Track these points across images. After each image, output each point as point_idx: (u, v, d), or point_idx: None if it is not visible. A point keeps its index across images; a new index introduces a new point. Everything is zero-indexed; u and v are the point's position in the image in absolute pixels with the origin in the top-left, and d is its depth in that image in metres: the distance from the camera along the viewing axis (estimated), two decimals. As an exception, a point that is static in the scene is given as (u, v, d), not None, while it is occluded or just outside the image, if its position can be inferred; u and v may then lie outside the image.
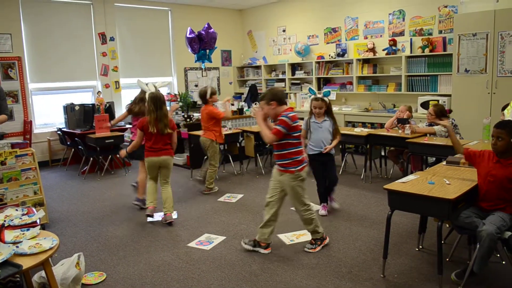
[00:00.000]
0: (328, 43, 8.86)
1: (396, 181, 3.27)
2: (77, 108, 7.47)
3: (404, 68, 7.35)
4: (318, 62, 8.87)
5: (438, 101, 6.57)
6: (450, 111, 6.38)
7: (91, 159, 7.00)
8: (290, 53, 9.65)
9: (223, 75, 10.62)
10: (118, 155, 5.44)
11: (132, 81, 9.04)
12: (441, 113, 5.35)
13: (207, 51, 7.59)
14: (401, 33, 7.59)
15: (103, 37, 8.52)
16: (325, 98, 4.62)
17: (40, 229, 2.77)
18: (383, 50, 7.74)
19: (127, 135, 7.82)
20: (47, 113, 8.12)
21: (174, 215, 4.86)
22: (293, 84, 9.51)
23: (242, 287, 3.19)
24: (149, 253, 3.85)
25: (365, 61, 8.07)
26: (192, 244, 4.03)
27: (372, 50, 7.89)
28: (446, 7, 6.93)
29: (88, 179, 6.77)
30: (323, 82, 8.93)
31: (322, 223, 4.37)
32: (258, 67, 10.32)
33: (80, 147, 6.97)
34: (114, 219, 4.83)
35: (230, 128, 6.60)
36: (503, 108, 4.03)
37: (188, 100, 8.26)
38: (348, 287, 3.13)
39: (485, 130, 4.75)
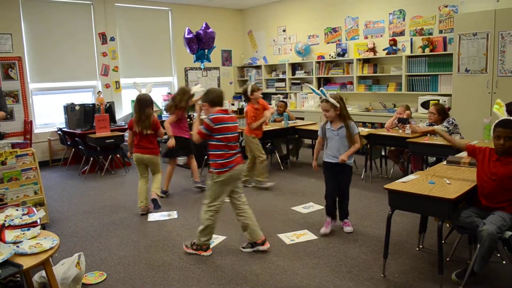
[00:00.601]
0: (328, 43, 8.86)
1: (397, 181, 3.27)
2: (77, 108, 7.48)
3: (404, 68, 7.34)
4: (318, 62, 8.87)
5: (438, 100, 6.57)
6: (449, 108, 6.38)
7: (92, 159, 7.00)
8: (291, 53, 9.65)
9: (223, 75, 10.62)
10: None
11: (133, 81, 9.04)
12: (443, 111, 5.35)
13: (206, 50, 7.59)
14: (402, 33, 7.59)
15: (103, 37, 8.52)
16: (332, 100, 3.98)
17: (40, 229, 2.77)
18: (384, 50, 7.73)
19: (127, 135, 7.81)
20: (48, 113, 8.12)
21: (174, 215, 4.87)
22: (293, 84, 9.51)
23: (243, 287, 3.19)
24: (150, 253, 3.85)
25: (366, 61, 8.06)
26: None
27: (373, 50, 7.89)
28: (446, 6, 6.93)
29: (88, 179, 6.77)
30: (324, 82, 8.93)
31: (321, 223, 4.38)
32: (259, 67, 10.32)
33: (80, 147, 6.98)
34: (115, 218, 4.83)
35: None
36: (508, 106, 4.00)
37: (189, 100, 8.25)
38: (349, 286, 3.13)
39: (485, 130, 4.75)
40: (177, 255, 3.78)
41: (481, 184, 3.08)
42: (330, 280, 3.24)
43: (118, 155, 7.35)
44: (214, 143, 3.66)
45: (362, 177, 6.15)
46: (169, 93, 9.01)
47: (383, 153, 6.48)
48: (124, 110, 8.91)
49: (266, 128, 6.70)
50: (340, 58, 8.51)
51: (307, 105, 9.02)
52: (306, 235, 4.12)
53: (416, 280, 3.18)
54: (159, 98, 8.92)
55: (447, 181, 3.17)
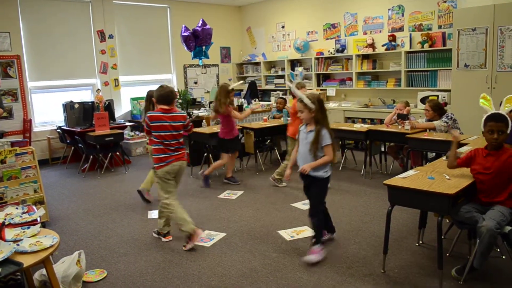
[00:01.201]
0: (327, 39, 8.84)
1: (396, 177, 3.27)
2: (76, 106, 7.47)
3: (403, 64, 7.34)
4: (317, 58, 8.86)
5: (437, 96, 6.57)
6: (446, 104, 6.38)
7: (91, 157, 6.99)
8: (290, 49, 9.64)
9: (222, 72, 10.61)
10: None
11: (132, 78, 9.06)
12: (438, 107, 5.36)
13: (203, 47, 7.57)
14: (401, 29, 7.58)
15: (102, 35, 8.50)
16: (307, 100, 3.49)
17: (40, 227, 2.77)
18: (383, 45, 7.72)
19: (126, 133, 7.84)
20: (47, 111, 8.11)
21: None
22: (291, 81, 9.48)
23: (243, 283, 3.19)
24: (150, 250, 3.85)
25: (365, 56, 8.06)
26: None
27: (372, 45, 7.87)
28: (445, 2, 6.92)
29: (88, 177, 6.77)
30: (323, 78, 8.93)
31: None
32: (258, 64, 10.30)
33: (80, 145, 6.97)
34: (115, 216, 4.84)
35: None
36: None
37: (188, 97, 8.26)
38: (349, 282, 3.14)
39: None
40: (177, 252, 3.79)
41: (478, 181, 3.08)
42: (330, 276, 3.25)
43: (117, 153, 7.35)
44: (153, 139, 3.95)
45: (362, 173, 6.15)
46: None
47: (382, 149, 6.49)
48: (123, 107, 8.90)
49: (265, 125, 6.71)
50: (339, 54, 8.50)
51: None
52: (306, 232, 4.13)
53: (416, 276, 3.19)
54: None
55: (447, 177, 3.17)
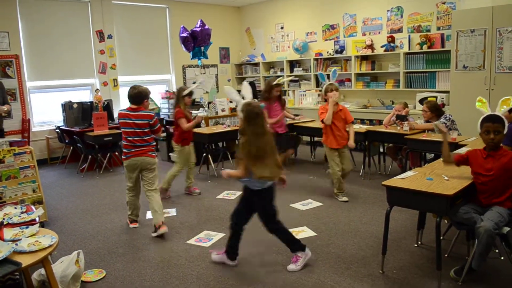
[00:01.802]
0: (326, 40, 8.85)
1: (395, 177, 3.28)
2: (75, 106, 7.46)
3: (402, 65, 7.35)
4: (316, 59, 8.87)
5: (436, 97, 6.58)
6: (444, 105, 6.39)
7: (90, 157, 6.99)
8: (289, 50, 9.64)
9: (221, 72, 10.61)
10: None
11: (131, 78, 9.05)
12: (435, 108, 5.37)
13: (202, 48, 7.57)
14: (399, 30, 7.59)
15: (100, 35, 8.50)
16: (239, 107, 3.37)
17: (39, 227, 2.77)
18: (381, 46, 7.74)
19: None
20: (45, 111, 8.10)
21: (173, 212, 4.88)
22: (291, 81, 9.50)
23: (241, 283, 3.19)
24: (148, 250, 3.85)
25: (364, 58, 8.07)
26: (191, 241, 4.03)
27: (370, 47, 7.88)
28: (444, 3, 6.93)
29: (86, 177, 6.76)
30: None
31: (319, 219, 4.40)
32: (257, 64, 10.31)
33: (78, 145, 6.97)
34: (113, 216, 4.83)
35: (228, 126, 6.59)
36: None
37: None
38: (347, 283, 3.14)
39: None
40: (175, 252, 3.79)
41: (479, 182, 3.08)
42: (329, 276, 3.25)
43: (116, 153, 7.34)
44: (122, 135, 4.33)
45: (360, 173, 6.15)
46: (167, 91, 8.99)
47: (381, 150, 6.49)
48: (122, 108, 8.87)
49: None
50: (338, 55, 8.51)
51: (305, 102, 9.02)
52: (305, 232, 4.13)
53: (415, 276, 3.19)
54: (157, 96, 8.90)
55: (445, 178, 3.18)
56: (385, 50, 7.66)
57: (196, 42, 7.41)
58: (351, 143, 5.01)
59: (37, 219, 2.99)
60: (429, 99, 6.40)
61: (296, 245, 3.42)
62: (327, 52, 8.68)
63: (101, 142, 6.78)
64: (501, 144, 3.08)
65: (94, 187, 6.18)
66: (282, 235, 3.43)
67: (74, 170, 7.20)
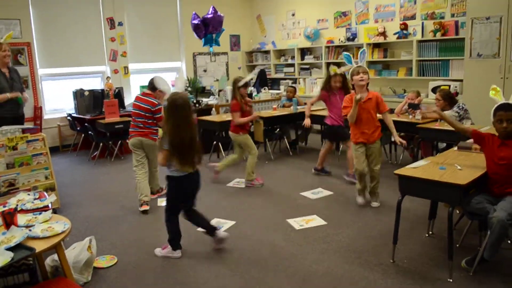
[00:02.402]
0: (338, 27, 8.75)
1: (407, 166, 3.25)
2: (86, 93, 7.49)
3: (415, 53, 7.25)
4: (327, 47, 8.78)
5: (449, 86, 6.49)
6: (457, 93, 6.30)
7: (101, 144, 7.03)
8: (300, 38, 9.55)
9: (231, 60, 10.55)
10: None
11: (141, 66, 9.05)
12: (448, 96, 5.31)
13: (214, 35, 7.52)
14: (413, 17, 7.47)
15: (111, 22, 8.49)
16: (165, 98, 3.53)
17: (52, 213, 2.80)
18: (394, 34, 7.63)
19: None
20: (57, 98, 8.15)
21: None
22: (302, 69, 9.44)
23: (252, 271, 3.21)
24: (160, 237, 3.87)
25: (376, 45, 7.97)
26: (202, 228, 4.05)
27: (383, 34, 7.78)
28: (459, -11, 6.80)
29: (98, 164, 6.82)
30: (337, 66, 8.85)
31: (330, 208, 4.39)
32: (267, 52, 10.24)
33: (90, 132, 7.01)
34: (125, 203, 4.87)
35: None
36: None
37: (197, 86, 8.24)
38: (358, 272, 3.14)
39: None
40: (187, 240, 3.80)
41: (491, 171, 3.05)
42: (339, 265, 3.25)
43: (127, 140, 7.37)
44: None
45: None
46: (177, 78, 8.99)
47: (392, 139, 6.42)
48: (133, 95, 8.90)
49: (274, 113, 6.69)
50: (350, 43, 8.41)
51: (316, 90, 8.95)
52: (315, 221, 4.13)
53: (425, 266, 3.18)
54: (168, 83, 8.89)
55: (458, 167, 3.15)
56: (397, 38, 7.55)
57: (207, 29, 7.36)
58: (398, 138, 4.33)
59: (50, 205, 3.03)
60: (442, 87, 6.32)
61: (172, 242, 3.51)
62: (339, 40, 8.58)
63: (112, 129, 6.81)
64: None
65: (106, 174, 6.23)
66: (171, 227, 3.51)
67: (85, 157, 7.26)
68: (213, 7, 7.43)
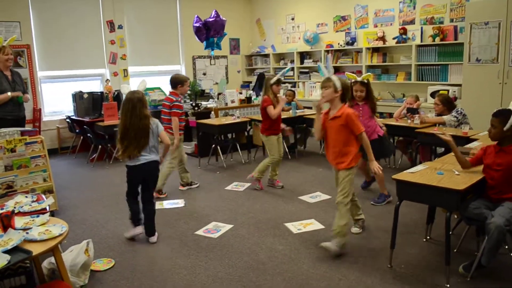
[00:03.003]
0: (337, 31, 8.77)
1: (405, 171, 3.25)
2: (85, 96, 7.50)
3: (414, 57, 7.27)
4: (327, 51, 8.80)
5: (448, 91, 6.50)
6: (456, 98, 6.31)
7: (100, 147, 7.03)
8: (299, 42, 9.58)
9: (231, 63, 10.58)
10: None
11: (141, 69, 9.06)
12: (447, 101, 5.32)
13: (215, 38, 7.53)
14: (412, 22, 7.50)
15: (111, 25, 8.50)
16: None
17: (49, 216, 2.80)
18: (393, 38, 7.65)
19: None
20: (56, 101, 8.15)
21: (181, 203, 4.90)
22: (301, 73, 9.46)
23: (249, 275, 3.21)
24: (157, 241, 3.87)
25: (375, 49, 7.99)
26: (200, 232, 4.05)
27: (382, 38, 7.80)
28: (458, -5, 6.83)
29: (96, 167, 6.81)
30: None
31: (328, 212, 4.39)
32: (267, 56, 10.26)
33: (88, 135, 7.01)
34: (123, 206, 4.84)
35: (238, 117, 6.58)
36: None
37: (196, 89, 8.25)
38: (355, 276, 3.14)
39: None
40: (184, 243, 3.81)
41: (489, 177, 3.06)
42: (337, 269, 3.25)
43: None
44: None
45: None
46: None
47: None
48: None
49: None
50: (349, 47, 8.43)
51: (315, 94, 8.97)
52: (313, 225, 4.13)
53: (423, 271, 3.18)
54: (167, 86, 8.90)
55: (456, 172, 3.15)
56: (397, 42, 7.57)
57: (209, 32, 7.37)
58: (374, 166, 3.51)
59: (47, 208, 3.02)
60: (440, 92, 6.33)
61: (132, 220, 3.94)
62: (338, 44, 8.60)
63: (111, 132, 6.78)
64: None
65: (104, 177, 6.22)
66: (130, 209, 3.95)
67: (84, 159, 7.26)
68: (216, 11, 7.45)
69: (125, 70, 8.78)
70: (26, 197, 3.24)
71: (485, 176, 3.08)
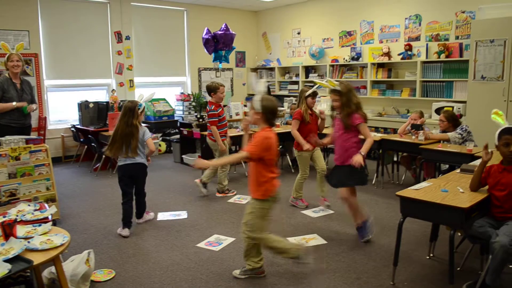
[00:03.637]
0: (343, 46, 8.82)
1: (409, 188, 3.23)
2: (91, 105, 7.54)
3: (419, 73, 7.28)
4: (332, 65, 8.83)
5: (452, 107, 6.50)
6: (461, 115, 6.31)
7: (104, 156, 7.04)
8: (305, 56, 9.62)
9: (236, 76, 10.63)
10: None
11: (146, 80, 9.12)
12: (452, 118, 5.31)
13: (223, 51, 7.58)
14: (417, 38, 7.53)
15: (119, 36, 8.58)
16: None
17: (51, 225, 2.79)
18: (399, 54, 7.67)
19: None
20: (62, 110, 8.20)
21: (184, 215, 4.88)
22: (306, 86, 9.46)
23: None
24: (159, 252, 3.86)
25: (380, 65, 8.01)
26: (201, 244, 4.03)
27: (387, 54, 7.83)
28: (463, 12, 6.85)
29: (100, 176, 6.82)
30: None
31: (331, 227, 4.36)
32: (272, 69, 10.31)
33: (93, 144, 7.03)
34: (125, 217, 4.85)
35: (241, 129, 6.58)
36: None
37: (201, 101, 8.29)
38: (357, 293, 3.10)
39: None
40: (185, 255, 3.79)
41: (493, 197, 3.03)
42: (339, 285, 3.21)
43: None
44: None
45: (373, 182, 6.10)
46: (182, 93, 9.04)
47: (395, 159, 6.43)
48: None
49: (277, 130, 6.69)
50: (354, 62, 8.46)
51: (319, 108, 8.96)
52: (315, 240, 4.10)
53: (426, 289, 3.14)
54: (172, 97, 8.96)
55: (461, 190, 3.13)
56: (402, 58, 7.59)
57: (217, 45, 7.41)
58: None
59: (50, 217, 3.02)
60: (445, 109, 6.32)
61: (123, 222, 4.32)
62: (344, 59, 8.63)
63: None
64: None
65: (107, 186, 6.23)
66: (123, 211, 4.34)
67: (87, 169, 7.27)
68: (226, 24, 7.51)
69: (131, 81, 8.84)
70: (29, 205, 3.24)
71: (489, 194, 3.05)
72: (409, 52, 7.49)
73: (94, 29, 8.34)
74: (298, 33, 9.79)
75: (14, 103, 4.96)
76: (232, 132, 6.48)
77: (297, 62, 9.70)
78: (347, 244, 3.99)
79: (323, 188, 5.04)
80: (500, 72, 5.89)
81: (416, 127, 5.60)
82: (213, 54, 7.62)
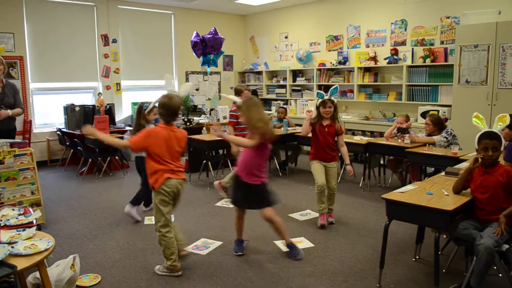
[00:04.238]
0: (330, 50, 8.88)
1: (395, 191, 3.26)
2: (77, 109, 7.47)
3: (405, 78, 7.36)
4: (319, 69, 8.89)
5: (438, 111, 6.58)
6: (446, 119, 6.39)
7: (90, 160, 6.98)
8: (292, 60, 9.67)
9: (224, 80, 10.63)
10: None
11: (133, 83, 9.07)
12: (438, 121, 5.38)
13: (212, 55, 7.57)
14: (403, 43, 7.61)
15: (105, 39, 8.53)
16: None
17: (36, 229, 2.76)
18: (385, 59, 7.76)
19: (126, 137, 7.80)
20: (47, 113, 8.12)
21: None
22: (294, 90, 9.52)
23: (237, 293, 3.17)
24: (145, 256, 3.83)
25: (366, 69, 8.08)
26: (188, 248, 4.00)
27: (374, 58, 7.91)
28: (448, 18, 6.96)
29: (86, 180, 6.75)
30: (324, 89, 8.92)
31: (318, 230, 4.38)
32: (260, 73, 10.33)
33: (79, 148, 6.96)
34: (111, 221, 4.81)
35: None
36: None
37: (189, 104, 8.27)
38: (344, 296, 3.11)
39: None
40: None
41: (476, 199, 3.07)
42: (326, 288, 3.23)
43: (116, 157, 7.34)
44: None
45: (360, 185, 6.14)
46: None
47: (381, 162, 6.48)
48: (124, 112, 8.90)
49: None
50: (341, 66, 8.53)
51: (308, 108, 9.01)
52: (302, 243, 4.11)
53: (412, 291, 3.17)
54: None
55: (445, 192, 3.17)
56: (388, 63, 7.68)
57: (206, 48, 7.40)
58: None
59: (34, 221, 2.98)
60: (431, 112, 6.40)
61: (134, 200, 4.75)
62: (331, 63, 8.69)
63: (102, 145, 6.75)
64: (502, 161, 3.07)
65: (93, 190, 6.17)
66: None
67: (73, 173, 7.20)
68: (215, 28, 7.50)
69: (118, 84, 8.78)
70: (13, 210, 3.19)
71: (473, 198, 3.09)
72: (395, 57, 7.57)
73: (81, 32, 8.28)
74: (286, 37, 9.84)
75: (9, 111, 4.96)
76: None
77: (284, 66, 9.74)
78: (334, 247, 4.00)
79: (324, 205, 4.56)
80: (484, 77, 5.99)
81: (402, 131, 5.66)
82: (201, 58, 7.61)
